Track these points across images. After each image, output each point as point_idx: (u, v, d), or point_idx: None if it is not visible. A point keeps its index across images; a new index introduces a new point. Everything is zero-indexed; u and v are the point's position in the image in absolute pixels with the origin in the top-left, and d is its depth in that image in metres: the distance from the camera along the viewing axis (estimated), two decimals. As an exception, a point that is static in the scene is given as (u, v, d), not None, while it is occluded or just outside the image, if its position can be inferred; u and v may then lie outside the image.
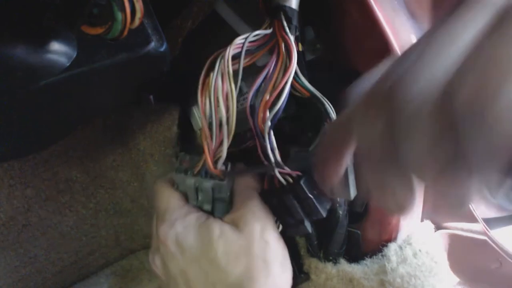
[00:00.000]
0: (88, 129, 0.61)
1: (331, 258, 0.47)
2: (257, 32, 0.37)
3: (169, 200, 0.41)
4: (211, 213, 0.41)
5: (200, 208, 0.41)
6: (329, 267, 0.46)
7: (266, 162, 0.37)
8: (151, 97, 0.50)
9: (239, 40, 0.36)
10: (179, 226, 0.38)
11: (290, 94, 0.39)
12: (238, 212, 0.39)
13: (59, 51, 0.28)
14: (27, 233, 0.62)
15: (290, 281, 0.39)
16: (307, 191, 0.37)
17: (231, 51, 0.35)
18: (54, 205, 0.63)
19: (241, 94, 0.43)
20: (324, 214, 0.38)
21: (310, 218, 0.39)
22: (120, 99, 0.42)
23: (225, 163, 0.39)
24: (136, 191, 0.69)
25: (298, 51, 0.41)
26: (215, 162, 0.38)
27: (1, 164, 0.57)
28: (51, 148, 0.59)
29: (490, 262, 0.48)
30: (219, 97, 0.35)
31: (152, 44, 0.33)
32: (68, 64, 0.29)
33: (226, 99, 0.36)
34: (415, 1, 0.44)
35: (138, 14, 0.28)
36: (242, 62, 0.36)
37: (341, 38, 0.43)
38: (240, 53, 0.36)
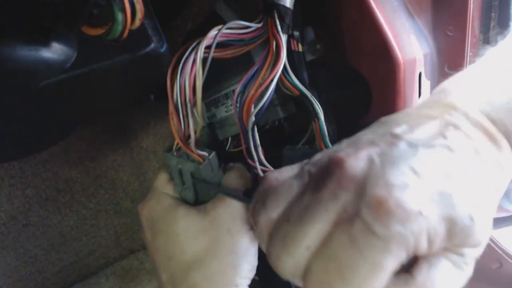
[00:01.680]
0: (88, 129, 0.61)
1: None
2: (240, 22, 0.37)
3: (157, 178, 0.43)
4: (195, 202, 0.41)
5: (182, 197, 0.42)
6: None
7: (249, 160, 0.37)
8: (152, 96, 0.50)
9: (213, 31, 0.37)
10: (154, 205, 0.41)
11: (288, 95, 0.39)
12: (213, 199, 0.39)
13: (59, 52, 0.28)
14: (28, 232, 0.62)
15: (250, 273, 0.38)
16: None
17: (207, 39, 0.36)
18: (55, 205, 0.63)
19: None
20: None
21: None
22: (120, 99, 0.42)
23: (209, 151, 0.39)
24: (137, 191, 0.69)
25: (298, 52, 0.41)
26: (188, 144, 0.38)
27: (2, 164, 0.57)
28: (51, 148, 0.59)
29: (490, 262, 0.48)
30: (186, 80, 0.36)
31: (153, 45, 0.33)
32: (68, 65, 0.29)
33: (194, 80, 0.36)
34: (415, 1, 0.44)
35: (139, 15, 0.28)
36: (213, 50, 0.37)
37: (341, 38, 0.43)
38: (226, 41, 0.37)
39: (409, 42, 0.42)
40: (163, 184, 0.42)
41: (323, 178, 0.24)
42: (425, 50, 0.44)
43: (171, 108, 0.37)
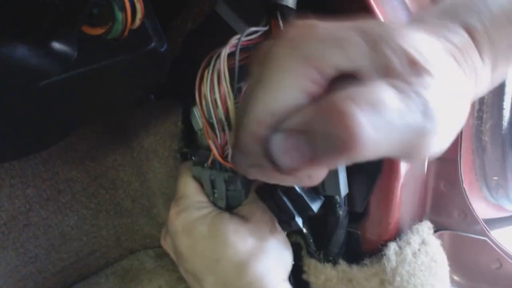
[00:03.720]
0: (88, 129, 0.61)
1: (330, 258, 0.47)
2: (253, 29, 0.37)
3: (186, 186, 0.44)
4: (226, 209, 0.43)
5: (214, 204, 0.43)
6: (329, 268, 0.46)
7: None
8: (152, 96, 0.50)
9: (234, 40, 0.36)
10: (193, 213, 0.41)
11: None
12: (247, 205, 0.42)
13: (59, 52, 0.28)
14: (28, 232, 0.62)
15: (289, 267, 0.42)
16: (297, 189, 0.38)
17: (227, 50, 0.35)
18: (55, 205, 0.63)
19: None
20: (315, 210, 0.40)
21: (302, 215, 0.41)
22: (121, 99, 0.42)
23: None
24: (137, 191, 0.69)
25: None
26: (225, 157, 0.39)
27: (2, 164, 0.57)
28: (52, 148, 0.59)
29: (490, 262, 0.48)
30: (216, 98, 0.35)
31: (153, 45, 0.33)
32: (68, 65, 0.29)
33: (224, 100, 0.36)
34: (415, 1, 0.44)
35: (139, 15, 0.28)
36: (238, 60, 0.36)
37: (341, 38, 0.43)
38: (235, 52, 0.37)
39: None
40: (195, 193, 0.43)
41: None
42: (425, 50, 0.44)
43: (207, 129, 0.37)
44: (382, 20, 0.37)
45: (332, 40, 0.20)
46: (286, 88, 0.20)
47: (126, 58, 0.32)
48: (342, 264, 0.46)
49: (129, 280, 0.71)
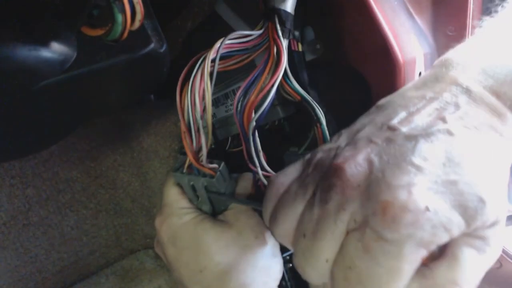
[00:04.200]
0: (88, 129, 0.61)
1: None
2: (246, 32, 0.37)
3: (169, 194, 0.43)
4: (212, 213, 0.42)
5: (200, 209, 0.42)
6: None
7: (250, 165, 0.37)
8: (152, 96, 0.50)
9: (217, 44, 0.36)
10: (175, 221, 0.40)
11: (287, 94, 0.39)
12: (232, 210, 0.40)
13: (59, 52, 0.28)
14: (28, 232, 0.62)
15: (278, 275, 0.40)
16: None
17: (211, 53, 0.36)
18: (55, 205, 0.63)
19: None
20: None
21: None
22: (120, 99, 0.42)
23: (217, 162, 0.39)
24: (137, 191, 0.69)
25: (298, 51, 0.41)
26: (200, 160, 0.38)
27: (2, 164, 0.57)
28: (51, 148, 0.59)
29: (490, 262, 0.48)
30: (195, 96, 0.36)
31: (152, 45, 0.33)
32: (68, 65, 0.29)
33: (202, 98, 0.36)
34: (415, 1, 0.44)
35: (139, 16, 0.28)
36: (217, 62, 0.36)
37: (341, 38, 0.43)
38: (229, 52, 0.37)
39: (409, 42, 0.42)
40: (177, 199, 0.42)
41: (328, 190, 0.24)
42: (425, 50, 0.44)
43: (183, 127, 0.37)
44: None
45: (440, 225, 0.22)
46: (410, 276, 0.22)
47: (126, 59, 0.32)
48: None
49: (129, 280, 0.71)
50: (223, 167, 0.39)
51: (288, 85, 0.38)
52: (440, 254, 0.23)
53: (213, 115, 0.48)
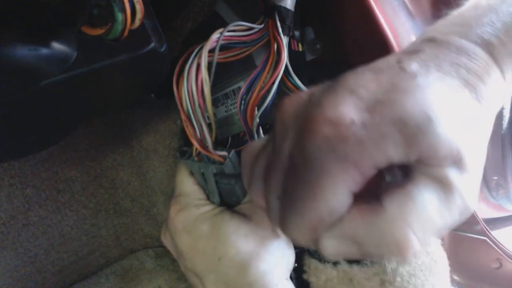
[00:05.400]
0: (88, 129, 0.61)
1: (331, 258, 0.47)
2: (246, 24, 0.38)
3: (184, 183, 0.44)
4: (221, 204, 0.43)
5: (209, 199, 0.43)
6: (329, 268, 0.46)
7: None
8: (152, 95, 0.50)
9: (215, 35, 0.37)
10: (193, 212, 0.41)
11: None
12: (248, 203, 0.41)
13: (59, 52, 0.28)
14: (27, 232, 0.62)
15: (291, 266, 0.41)
16: None
17: (209, 43, 0.36)
18: (54, 205, 0.63)
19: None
20: None
21: None
22: (120, 99, 0.42)
23: (227, 151, 0.40)
24: (137, 190, 0.69)
25: (298, 51, 0.41)
26: (206, 147, 0.39)
27: (2, 164, 0.57)
28: (51, 147, 0.59)
29: (490, 262, 0.48)
30: (192, 86, 0.36)
31: (152, 45, 0.33)
32: (68, 65, 0.29)
33: (201, 90, 0.37)
34: (415, 1, 0.44)
35: (139, 15, 0.28)
36: (217, 53, 0.37)
37: (341, 38, 0.43)
38: (228, 44, 0.38)
39: (409, 42, 0.42)
40: (194, 189, 0.43)
41: (273, 125, 0.25)
42: (425, 50, 0.44)
43: (183, 116, 0.38)
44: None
45: (370, 141, 0.20)
46: (336, 195, 0.21)
47: (126, 58, 0.32)
48: (343, 264, 0.46)
49: (129, 280, 0.71)
50: (232, 155, 0.39)
51: (290, 81, 0.39)
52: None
53: (213, 115, 0.48)
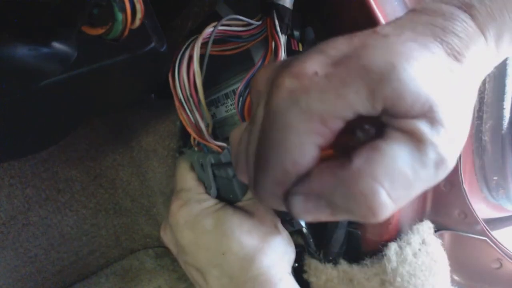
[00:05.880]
0: (88, 129, 0.61)
1: (331, 258, 0.47)
2: (242, 18, 0.38)
3: (184, 178, 0.44)
4: (217, 198, 0.43)
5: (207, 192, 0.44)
6: (329, 268, 0.46)
7: None
8: (152, 95, 0.50)
9: (209, 28, 0.37)
10: (195, 207, 0.41)
11: None
12: (251, 200, 0.42)
13: (59, 52, 0.28)
14: (27, 232, 0.62)
15: (292, 262, 0.42)
16: None
17: (202, 35, 0.37)
18: (54, 205, 0.63)
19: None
20: None
21: None
22: (121, 98, 0.42)
23: (227, 143, 0.40)
24: (136, 190, 0.69)
25: (298, 51, 0.41)
26: (203, 136, 0.40)
27: (2, 164, 0.57)
28: (51, 147, 0.59)
29: (490, 262, 0.48)
30: (183, 76, 0.37)
31: (153, 45, 0.33)
32: (68, 65, 0.29)
33: (193, 79, 0.38)
34: (415, 1, 0.44)
35: (139, 15, 0.28)
36: (210, 46, 0.38)
37: (341, 38, 0.43)
38: (224, 37, 0.38)
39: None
40: (195, 185, 0.43)
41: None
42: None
43: (177, 104, 0.39)
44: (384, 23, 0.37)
45: (332, 90, 0.20)
46: (299, 147, 0.20)
47: (126, 58, 0.32)
48: (343, 264, 0.46)
49: (129, 280, 0.71)
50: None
51: None
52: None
53: (213, 115, 0.48)
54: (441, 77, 0.20)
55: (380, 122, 0.21)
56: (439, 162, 0.20)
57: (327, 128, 0.20)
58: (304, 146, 0.20)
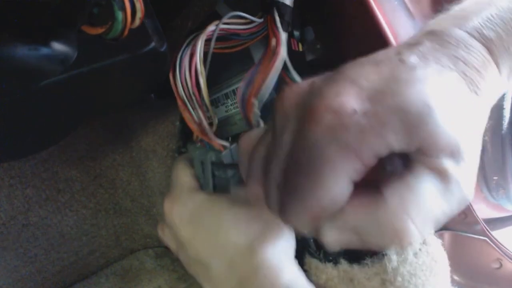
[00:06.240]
0: (88, 129, 0.61)
1: (331, 258, 0.47)
2: (244, 15, 0.38)
3: (178, 173, 0.44)
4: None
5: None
6: (330, 268, 0.46)
7: None
8: (152, 95, 0.50)
9: (212, 26, 0.37)
10: (188, 200, 0.41)
11: None
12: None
13: (59, 52, 0.28)
14: (27, 232, 0.62)
15: (292, 256, 0.41)
16: None
17: (205, 32, 0.37)
18: (54, 205, 0.63)
19: None
20: None
21: None
22: (121, 98, 0.42)
23: (230, 142, 0.40)
24: (136, 190, 0.69)
25: (298, 51, 0.41)
26: (206, 133, 0.40)
27: (1, 164, 0.57)
28: (51, 147, 0.59)
29: (490, 262, 0.48)
30: (185, 73, 0.37)
31: (153, 44, 0.33)
32: (68, 65, 0.29)
33: (195, 77, 0.38)
34: (415, 1, 0.44)
35: (139, 14, 0.28)
36: (213, 43, 0.38)
37: (341, 38, 0.43)
38: (223, 36, 0.38)
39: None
40: (187, 180, 0.43)
41: (273, 117, 0.25)
42: (426, 49, 0.44)
43: (179, 102, 0.38)
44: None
45: (371, 129, 0.20)
46: (336, 183, 0.21)
47: (126, 58, 0.32)
48: (343, 264, 0.46)
49: (129, 280, 0.71)
50: (234, 148, 0.39)
51: (289, 77, 0.39)
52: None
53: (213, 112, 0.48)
54: (466, 116, 0.22)
55: (407, 155, 0.22)
56: (461, 197, 0.22)
57: (364, 164, 0.21)
58: (341, 182, 0.21)
